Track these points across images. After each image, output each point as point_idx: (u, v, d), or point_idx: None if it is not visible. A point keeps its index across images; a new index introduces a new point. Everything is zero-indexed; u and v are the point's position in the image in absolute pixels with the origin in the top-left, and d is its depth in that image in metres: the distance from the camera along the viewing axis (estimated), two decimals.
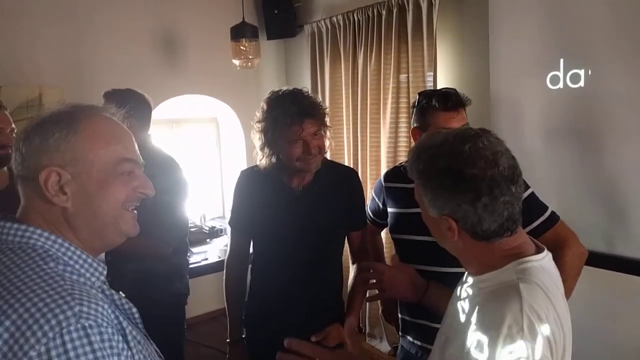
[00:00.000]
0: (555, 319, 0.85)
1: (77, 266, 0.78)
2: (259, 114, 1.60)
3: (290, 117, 1.50)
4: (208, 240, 3.52)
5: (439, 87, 2.70)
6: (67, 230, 0.80)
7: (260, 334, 1.72)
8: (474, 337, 0.85)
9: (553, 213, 1.54)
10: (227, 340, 1.75)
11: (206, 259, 3.13)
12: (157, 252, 1.99)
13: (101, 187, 0.81)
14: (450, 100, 1.57)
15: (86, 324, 0.67)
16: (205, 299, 3.48)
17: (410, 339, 1.69)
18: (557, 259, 1.41)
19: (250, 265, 1.78)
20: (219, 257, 3.14)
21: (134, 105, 2.06)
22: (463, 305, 0.96)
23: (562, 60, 2.24)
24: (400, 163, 1.82)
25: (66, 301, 0.67)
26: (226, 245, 3.27)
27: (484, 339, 0.82)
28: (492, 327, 0.82)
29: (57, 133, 0.79)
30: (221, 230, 3.62)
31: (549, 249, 1.44)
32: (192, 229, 3.29)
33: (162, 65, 3.41)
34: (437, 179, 0.89)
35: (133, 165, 0.86)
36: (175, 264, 2.15)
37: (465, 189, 0.86)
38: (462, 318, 0.94)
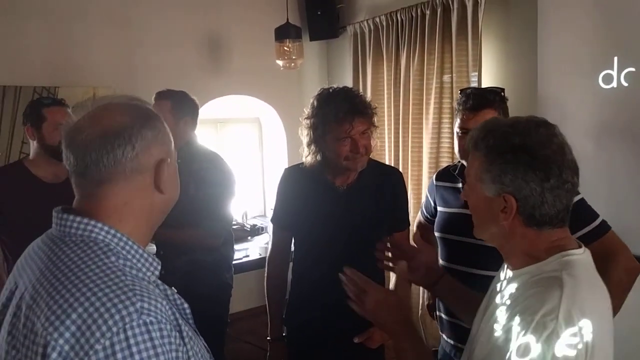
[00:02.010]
0: (599, 316, 0.84)
1: (134, 260, 0.79)
2: (308, 110, 1.61)
3: (342, 114, 1.51)
4: (249, 238, 3.59)
5: (483, 86, 2.65)
6: (142, 219, 0.83)
7: (301, 332, 1.73)
8: (506, 323, 0.84)
9: (603, 222, 1.46)
10: (268, 337, 1.77)
11: (247, 256, 3.19)
12: (209, 243, 2.09)
13: (175, 171, 0.88)
14: (470, 99, 1.56)
15: (147, 320, 0.69)
16: (246, 295, 3.55)
17: (445, 338, 1.67)
18: (602, 273, 1.36)
19: (291, 263, 1.80)
20: (260, 255, 3.19)
21: (184, 104, 2.16)
22: (504, 299, 0.94)
23: (616, 58, 2.14)
24: (453, 163, 1.82)
25: (128, 297, 0.69)
26: (267, 243, 3.32)
27: (516, 323, 0.81)
28: (526, 312, 0.81)
29: (160, 125, 0.84)
30: (262, 229, 3.67)
31: (594, 261, 1.39)
32: (234, 227, 3.36)
33: (208, 67, 3.50)
34: (509, 154, 0.88)
35: None
36: (224, 255, 2.24)
37: (537, 167, 0.86)
38: (501, 310, 0.92)
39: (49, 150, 2.00)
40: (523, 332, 0.80)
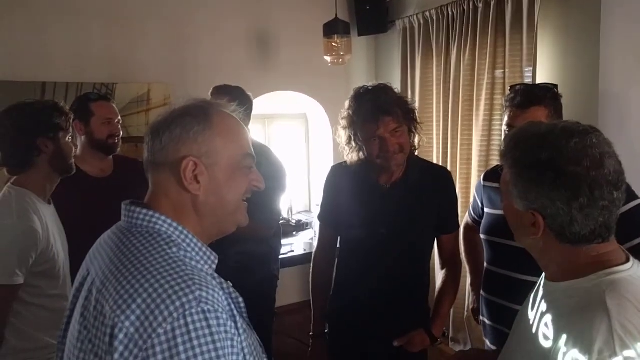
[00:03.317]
0: None
1: (193, 253, 0.83)
2: (342, 111, 1.61)
3: (364, 115, 1.49)
4: (294, 233, 3.62)
5: (538, 82, 2.54)
6: (191, 217, 0.86)
7: (342, 330, 1.73)
8: (559, 357, 0.78)
9: None
10: (310, 333, 1.78)
11: (292, 251, 3.21)
12: (262, 234, 2.15)
13: (229, 178, 0.87)
14: (518, 96, 1.49)
15: (205, 308, 0.72)
16: (290, 290, 3.58)
17: (489, 343, 1.62)
18: None
19: (336, 260, 1.80)
20: (305, 250, 3.21)
21: (241, 101, 2.21)
22: (539, 315, 0.89)
23: None
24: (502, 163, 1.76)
25: (188, 285, 0.73)
26: (312, 239, 3.34)
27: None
28: (581, 350, 0.75)
29: (197, 126, 0.85)
30: (307, 224, 3.70)
31: None
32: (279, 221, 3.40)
33: (257, 63, 3.55)
34: (534, 170, 0.83)
35: (252, 160, 0.92)
36: (272, 247, 2.28)
37: (563, 186, 0.80)
38: (538, 328, 0.86)
39: (97, 144, 2.08)
40: None
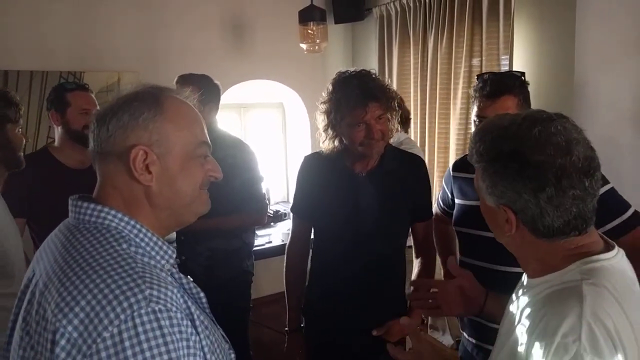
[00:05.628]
0: (627, 330, 0.72)
1: (147, 248, 0.78)
2: (324, 95, 1.58)
3: (354, 100, 1.46)
4: (272, 223, 3.58)
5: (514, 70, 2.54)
6: (145, 209, 0.81)
7: (319, 322, 1.70)
8: (527, 345, 0.75)
9: (636, 214, 1.36)
10: (286, 329, 1.74)
11: (270, 242, 3.18)
12: (256, 222, 2.22)
13: (183, 168, 0.82)
14: (487, 85, 1.46)
15: (156, 308, 0.67)
16: (268, 281, 3.54)
17: (466, 336, 1.61)
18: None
19: (310, 253, 1.77)
20: (282, 241, 3.18)
21: (209, 90, 2.14)
22: (519, 310, 0.87)
23: None
24: None
25: (137, 284, 0.68)
26: (289, 229, 3.32)
27: (536, 348, 0.73)
28: (546, 334, 0.72)
29: (146, 112, 0.79)
30: (285, 214, 3.66)
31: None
32: None
33: (231, 50, 3.47)
34: (498, 162, 0.80)
35: (208, 148, 0.87)
36: (246, 242, 2.23)
37: (528, 177, 0.76)
38: (517, 323, 0.84)
39: (73, 135, 2.00)
40: (544, 358, 0.71)
